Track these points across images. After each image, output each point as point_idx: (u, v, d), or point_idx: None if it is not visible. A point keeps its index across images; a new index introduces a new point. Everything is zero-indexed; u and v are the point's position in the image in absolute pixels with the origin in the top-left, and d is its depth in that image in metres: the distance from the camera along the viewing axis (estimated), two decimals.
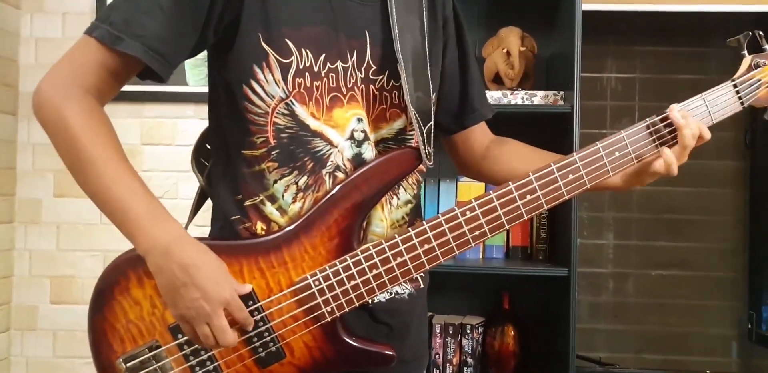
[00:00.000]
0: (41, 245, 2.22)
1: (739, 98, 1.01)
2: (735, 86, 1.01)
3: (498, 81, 1.96)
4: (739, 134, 2.24)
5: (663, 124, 0.98)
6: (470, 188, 1.94)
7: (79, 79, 0.90)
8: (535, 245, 1.93)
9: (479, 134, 1.18)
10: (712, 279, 2.24)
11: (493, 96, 1.85)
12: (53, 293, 2.20)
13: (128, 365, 0.95)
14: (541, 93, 1.85)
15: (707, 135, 1.00)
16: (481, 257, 1.95)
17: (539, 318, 2.01)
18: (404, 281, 1.00)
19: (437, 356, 1.91)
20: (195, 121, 2.17)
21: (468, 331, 1.91)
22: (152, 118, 2.19)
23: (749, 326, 2.18)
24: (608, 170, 0.98)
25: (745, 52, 1.02)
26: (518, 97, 1.85)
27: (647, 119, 0.99)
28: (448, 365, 1.91)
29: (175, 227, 0.90)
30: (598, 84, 2.27)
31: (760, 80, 1.00)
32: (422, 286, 1.08)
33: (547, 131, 1.95)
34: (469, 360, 1.91)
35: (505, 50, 1.90)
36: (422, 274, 1.06)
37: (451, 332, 1.91)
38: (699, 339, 2.24)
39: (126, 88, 2.44)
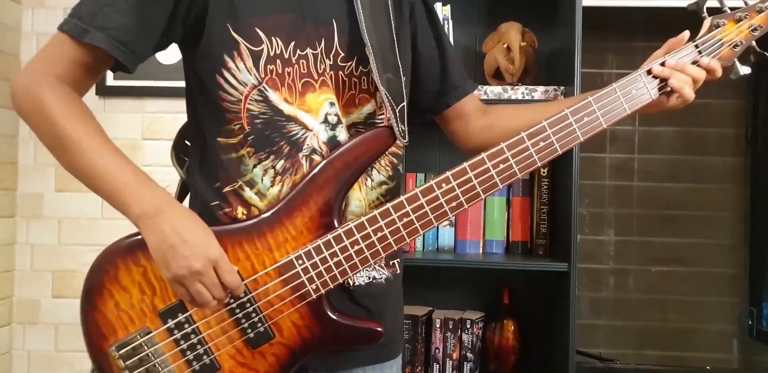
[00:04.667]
0: (43, 240, 2.22)
1: (699, 61, 1.04)
2: (697, 46, 1.04)
3: (498, 76, 1.96)
4: (740, 130, 2.24)
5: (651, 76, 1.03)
6: None
7: (54, 71, 0.94)
8: (535, 240, 1.93)
9: (473, 109, 1.21)
10: (713, 275, 2.24)
11: (494, 91, 1.85)
12: (55, 288, 2.21)
13: (121, 352, 0.97)
14: (541, 88, 1.85)
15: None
16: (481, 252, 1.96)
17: (539, 313, 2.01)
18: (382, 266, 1.05)
19: (437, 350, 1.91)
20: None
21: (468, 326, 1.91)
22: (153, 113, 2.19)
23: (750, 323, 2.18)
24: (578, 135, 1.01)
25: (705, 14, 1.05)
26: (519, 93, 1.85)
27: (639, 72, 1.03)
28: (447, 359, 1.91)
29: (163, 193, 0.93)
30: (598, 80, 2.26)
31: (721, 40, 1.04)
32: (398, 271, 1.11)
33: None
34: (469, 355, 1.91)
35: (505, 45, 1.90)
36: (398, 260, 1.10)
37: (451, 326, 1.91)
38: (699, 335, 2.23)
39: (127, 82, 2.46)
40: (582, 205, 2.23)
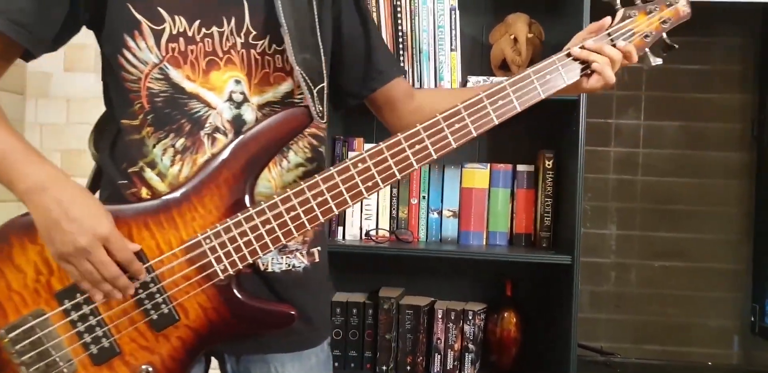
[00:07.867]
0: None
1: (614, 46, 1.07)
2: (609, 35, 1.07)
3: (505, 67, 1.96)
4: (745, 125, 2.23)
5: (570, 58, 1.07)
6: (475, 174, 1.94)
7: None
8: (538, 232, 1.93)
9: (400, 94, 1.19)
10: (716, 271, 2.24)
11: None
12: None
13: (11, 335, 0.92)
14: None
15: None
16: (484, 243, 1.96)
17: (541, 306, 2.01)
18: (303, 253, 1.03)
19: (439, 341, 1.92)
20: None
21: (470, 317, 1.92)
22: None
23: (752, 319, 2.18)
24: (493, 118, 1.02)
25: (619, 5, 1.10)
26: None
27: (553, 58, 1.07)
28: (449, 350, 1.91)
29: (51, 168, 0.91)
30: None
31: (632, 30, 1.08)
32: (317, 260, 1.09)
33: (553, 119, 1.95)
34: (471, 346, 1.92)
35: (512, 36, 1.90)
36: (319, 248, 1.08)
37: (453, 317, 1.91)
38: (701, 331, 2.24)
39: None
40: (585, 198, 2.23)
